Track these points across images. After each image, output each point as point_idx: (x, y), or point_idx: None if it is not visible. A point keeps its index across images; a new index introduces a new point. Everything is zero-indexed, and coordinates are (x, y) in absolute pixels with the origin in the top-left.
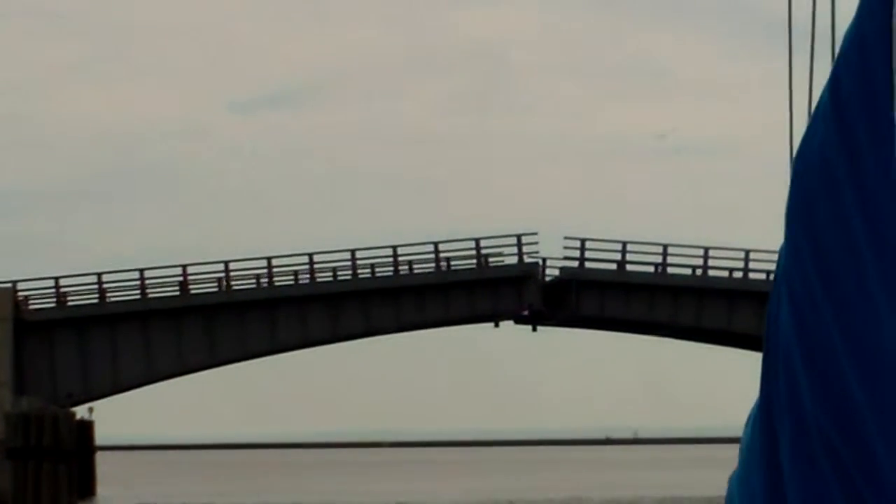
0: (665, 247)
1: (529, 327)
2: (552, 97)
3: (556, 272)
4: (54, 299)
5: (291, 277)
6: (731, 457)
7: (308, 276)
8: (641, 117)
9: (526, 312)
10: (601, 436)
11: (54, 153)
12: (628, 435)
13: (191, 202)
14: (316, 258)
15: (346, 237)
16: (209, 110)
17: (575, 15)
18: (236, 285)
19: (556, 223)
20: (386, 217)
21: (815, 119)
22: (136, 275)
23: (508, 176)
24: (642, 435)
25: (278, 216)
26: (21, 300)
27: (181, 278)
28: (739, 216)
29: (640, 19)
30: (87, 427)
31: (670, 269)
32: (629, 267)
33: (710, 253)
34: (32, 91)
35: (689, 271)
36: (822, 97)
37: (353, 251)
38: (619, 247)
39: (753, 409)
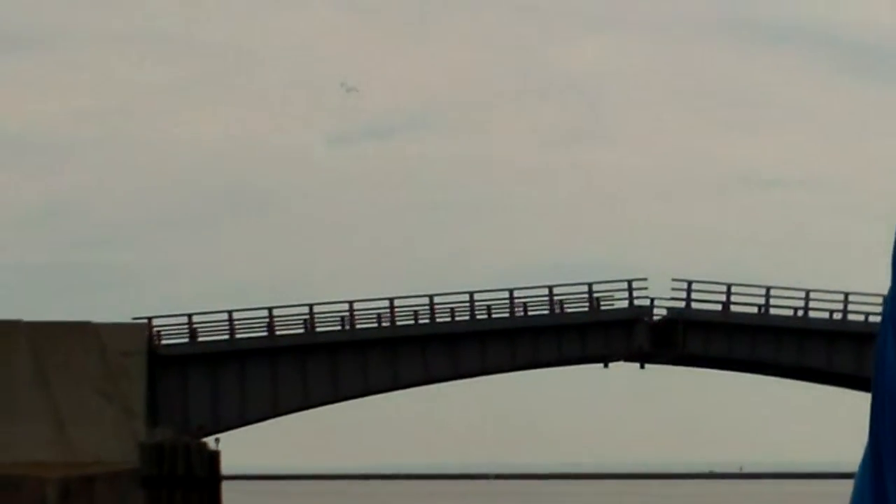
0: (768, 289)
1: (638, 365)
2: (653, 131)
3: (664, 312)
4: (187, 334)
5: (412, 317)
6: (832, 492)
7: (428, 316)
8: (744, 152)
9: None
10: (706, 469)
11: (157, 179)
12: (734, 469)
13: (310, 233)
14: (436, 299)
15: (456, 270)
16: (309, 140)
17: (674, 47)
18: (359, 324)
19: (661, 259)
20: (490, 247)
21: None
22: (265, 312)
23: (610, 210)
24: (747, 469)
25: (387, 248)
26: (155, 335)
27: (307, 316)
28: (840, 255)
29: (742, 51)
30: (214, 457)
31: (773, 311)
32: (733, 308)
33: (811, 295)
34: (133, 116)
35: (790, 312)
36: None
37: (471, 293)
38: (724, 288)
39: (867, 448)
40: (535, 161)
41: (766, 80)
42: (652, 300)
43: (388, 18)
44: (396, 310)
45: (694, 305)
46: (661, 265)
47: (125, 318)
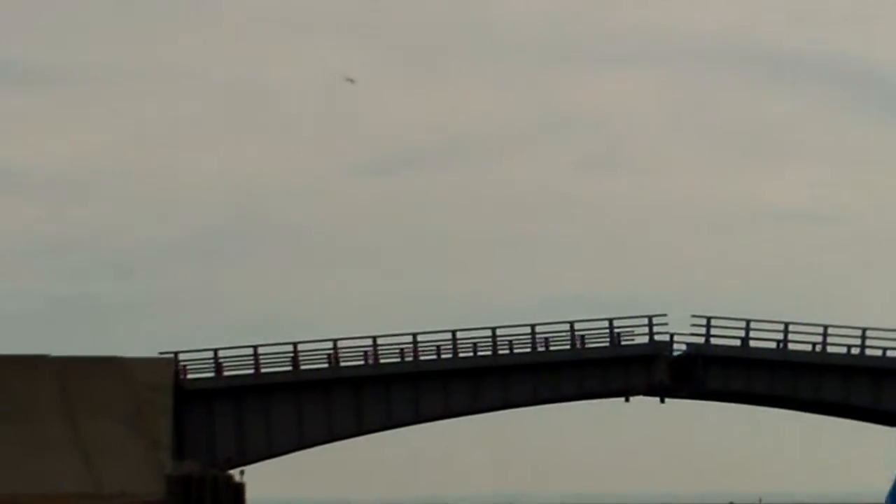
0: (786, 324)
1: (658, 399)
2: (676, 163)
3: (684, 347)
4: (213, 369)
5: (434, 352)
6: None
7: (451, 351)
8: (764, 186)
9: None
10: (726, 501)
11: (177, 211)
12: (753, 501)
13: (332, 265)
14: (458, 335)
15: (477, 303)
16: (332, 172)
17: (700, 81)
18: (383, 358)
19: (681, 292)
20: (511, 279)
21: None
22: (290, 347)
23: (633, 241)
24: (766, 501)
25: (410, 280)
26: (181, 369)
27: (331, 351)
28: (858, 290)
29: (769, 85)
30: (239, 489)
31: (791, 346)
32: (752, 343)
33: (829, 331)
34: (153, 149)
35: (808, 347)
36: None
37: (493, 329)
38: (743, 324)
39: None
40: (557, 194)
41: (787, 114)
42: (672, 336)
43: (410, 52)
44: (419, 345)
45: (713, 341)
46: (680, 298)
47: (146, 348)
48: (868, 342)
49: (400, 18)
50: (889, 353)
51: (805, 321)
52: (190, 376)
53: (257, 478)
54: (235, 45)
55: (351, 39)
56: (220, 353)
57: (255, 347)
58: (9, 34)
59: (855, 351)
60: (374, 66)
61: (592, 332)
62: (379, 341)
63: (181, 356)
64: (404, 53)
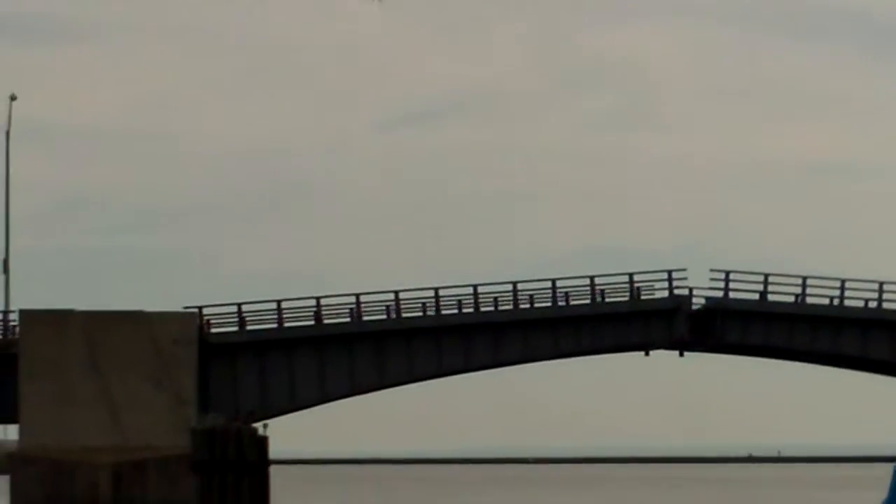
0: (804, 279)
1: (677, 353)
2: (696, 117)
3: (703, 301)
4: (236, 323)
5: (456, 306)
6: (867, 475)
7: (472, 305)
8: (788, 139)
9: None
10: (744, 454)
11: (198, 170)
12: (772, 453)
13: (353, 221)
14: (480, 289)
15: (498, 257)
16: (352, 127)
17: (724, 35)
18: (405, 313)
19: (700, 245)
20: (533, 233)
21: None
22: (313, 302)
23: (654, 195)
24: (785, 453)
25: (431, 235)
26: (205, 323)
27: (353, 305)
28: (876, 243)
29: (792, 38)
30: (262, 442)
31: (809, 300)
32: (770, 297)
33: (847, 284)
34: (178, 106)
35: (826, 301)
36: None
37: (514, 283)
38: (761, 278)
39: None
40: (578, 148)
41: (805, 68)
42: (691, 290)
43: (430, 11)
44: (441, 299)
45: (732, 295)
46: (699, 252)
47: (170, 301)
48: (885, 296)
49: None
50: None
51: (823, 275)
52: (214, 330)
53: (280, 431)
54: (257, 6)
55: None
56: (244, 308)
57: (279, 302)
58: None
59: (872, 304)
60: (393, 20)
61: (612, 286)
62: (401, 296)
63: (205, 311)
64: (425, 8)
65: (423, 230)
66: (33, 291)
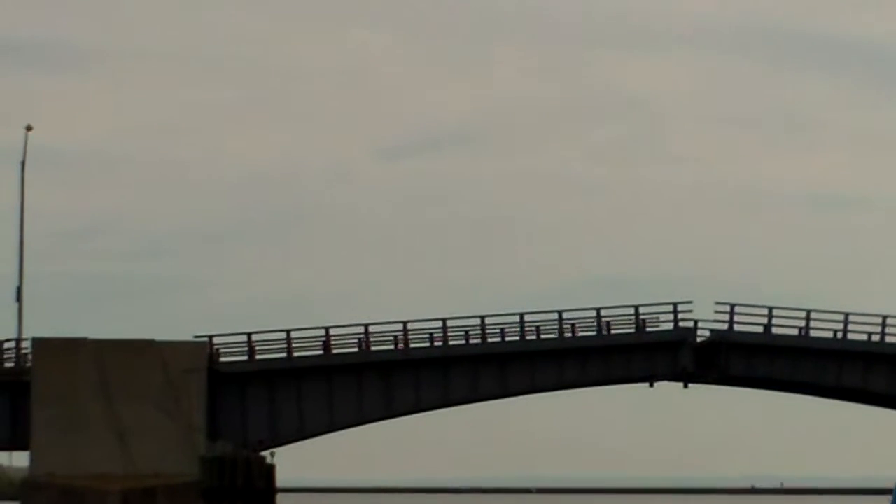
0: (808, 312)
1: (681, 385)
2: (702, 147)
3: (707, 334)
4: (246, 353)
5: (463, 337)
6: None
7: (479, 336)
8: (792, 170)
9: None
10: (747, 485)
11: (207, 194)
12: (775, 485)
13: (357, 249)
14: (487, 320)
15: (504, 287)
16: (348, 156)
17: (728, 65)
18: (413, 343)
19: (705, 276)
20: (540, 265)
21: None
22: (322, 332)
23: (659, 225)
24: (788, 485)
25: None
26: (215, 353)
27: (362, 335)
28: (879, 276)
29: (794, 69)
30: (270, 470)
31: (813, 333)
32: (775, 330)
33: (850, 318)
34: (183, 133)
35: (830, 335)
36: None
37: (521, 315)
38: (766, 311)
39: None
40: (582, 178)
41: (811, 98)
42: (696, 322)
43: (435, 39)
44: (449, 330)
45: (737, 327)
46: (704, 281)
47: (179, 328)
48: (888, 329)
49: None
50: None
51: (827, 306)
52: (224, 359)
53: (288, 459)
54: (262, 32)
55: (377, 22)
56: (254, 338)
57: (288, 332)
58: (43, 15)
59: (875, 338)
60: (398, 47)
61: (618, 318)
62: (409, 326)
63: (215, 340)
64: (429, 35)
65: (428, 261)
66: (42, 318)
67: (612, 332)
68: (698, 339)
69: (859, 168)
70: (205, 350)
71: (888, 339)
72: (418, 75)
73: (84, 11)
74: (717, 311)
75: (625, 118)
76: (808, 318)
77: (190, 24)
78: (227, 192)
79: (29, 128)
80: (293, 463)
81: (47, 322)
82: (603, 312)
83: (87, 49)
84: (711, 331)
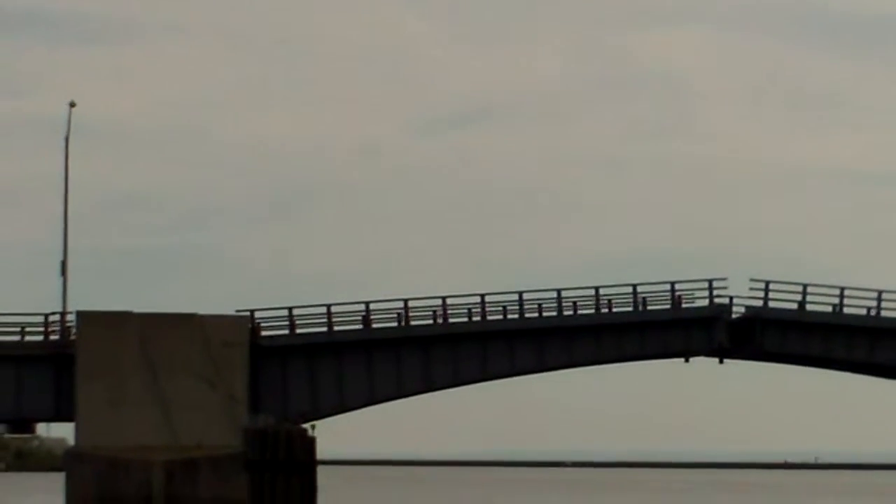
0: (842, 289)
1: (717, 360)
2: (736, 125)
3: (742, 310)
4: (287, 327)
5: (501, 312)
6: None
7: (517, 311)
8: (826, 147)
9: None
10: (781, 459)
11: (241, 171)
12: (809, 459)
13: (395, 224)
14: (525, 296)
15: (543, 260)
16: (387, 131)
17: (761, 43)
18: (452, 318)
19: (740, 252)
20: (571, 241)
21: None
22: (362, 306)
23: (691, 201)
24: (821, 460)
25: (475, 239)
26: (256, 326)
27: (402, 310)
28: None
29: (825, 48)
30: (311, 443)
31: (846, 310)
32: (809, 307)
33: (883, 296)
34: (211, 107)
35: (863, 311)
36: None
37: (558, 290)
38: (800, 288)
39: None
40: (617, 153)
41: (846, 76)
42: (731, 299)
43: (473, 15)
44: (487, 305)
45: (771, 304)
46: (740, 258)
47: (217, 301)
48: None
49: None
50: None
51: (861, 284)
52: (265, 333)
53: (329, 432)
54: (289, 9)
55: (405, 5)
56: (295, 312)
57: (328, 306)
58: None
59: None
60: (433, 29)
61: (654, 294)
62: (448, 301)
63: (257, 314)
64: (461, 11)
65: (466, 233)
66: (86, 291)
67: (649, 307)
68: (733, 316)
69: (889, 145)
70: (247, 324)
71: None
72: (448, 51)
73: None
74: (751, 288)
75: (661, 95)
76: (841, 296)
77: (215, 2)
78: (271, 170)
79: (73, 104)
80: (334, 435)
81: (91, 295)
82: (639, 288)
83: (110, 25)
84: (746, 307)
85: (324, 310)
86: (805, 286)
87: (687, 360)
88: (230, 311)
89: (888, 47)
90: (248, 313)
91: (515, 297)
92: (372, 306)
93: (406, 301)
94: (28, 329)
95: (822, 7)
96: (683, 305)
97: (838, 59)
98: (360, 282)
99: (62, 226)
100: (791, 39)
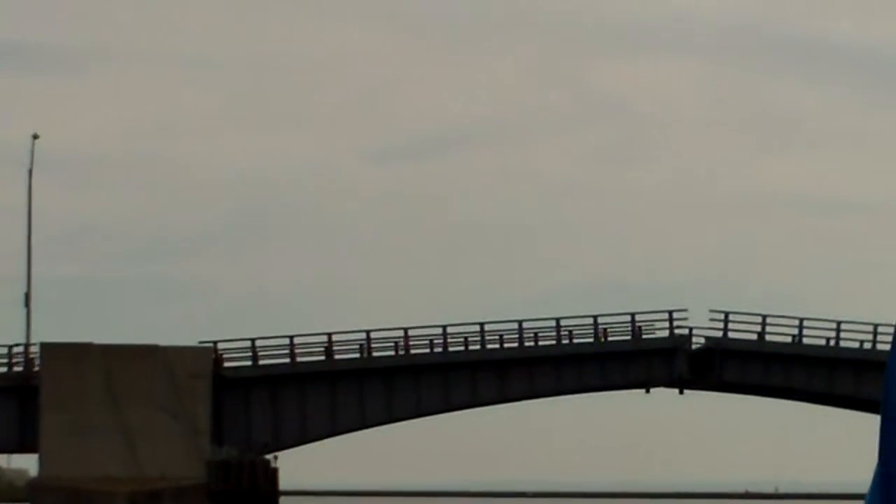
0: (801, 320)
1: (677, 391)
2: (698, 152)
3: (702, 341)
4: (250, 358)
5: (463, 343)
6: None
7: (478, 342)
8: (786, 175)
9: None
10: (741, 489)
11: (202, 198)
12: (769, 489)
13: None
14: (486, 327)
15: (501, 292)
16: (348, 159)
17: (725, 69)
18: (414, 349)
19: (700, 283)
20: (531, 270)
21: None
22: (324, 338)
23: (655, 231)
24: (782, 489)
25: (433, 269)
26: (219, 358)
27: (364, 342)
28: (873, 283)
29: (782, 70)
30: (273, 474)
31: (806, 340)
32: (768, 337)
33: (842, 326)
34: (175, 135)
35: (822, 342)
36: None
37: (520, 322)
38: (760, 319)
39: (876, 470)
40: (576, 182)
41: (809, 103)
42: (691, 329)
43: (430, 38)
44: (449, 336)
45: (731, 335)
46: (699, 289)
47: (181, 332)
48: (880, 337)
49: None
50: None
51: (819, 314)
52: (228, 364)
53: (291, 463)
54: (256, 33)
55: (372, 20)
56: (257, 343)
57: (291, 337)
58: (39, 18)
59: (867, 346)
60: (395, 52)
61: (615, 325)
62: (410, 332)
63: (220, 345)
64: (426, 34)
65: (428, 266)
66: (50, 323)
67: (609, 338)
68: (693, 346)
69: (853, 174)
70: (210, 355)
71: (880, 347)
72: (407, 79)
73: (80, 14)
74: (711, 319)
75: (620, 122)
76: (801, 326)
77: (180, 27)
78: (228, 195)
79: (36, 136)
80: (296, 467)
81: (54, 326)
82: (600, 320)
83: (75, 50)
84: (706, 338)
85: (286, 341)
86: (764, 317)
87: (647, 391)
88: (193, 343)
89: (857, 75)
90: (211, 344)
91: (477, 328)
92: (334, 337)
93: (368, 332)
94: None
95: (787, 32)
96: (644, 336)
97: (804, 84)
98: (321, 313)
99: (25, 257)
100: (752, 67)
